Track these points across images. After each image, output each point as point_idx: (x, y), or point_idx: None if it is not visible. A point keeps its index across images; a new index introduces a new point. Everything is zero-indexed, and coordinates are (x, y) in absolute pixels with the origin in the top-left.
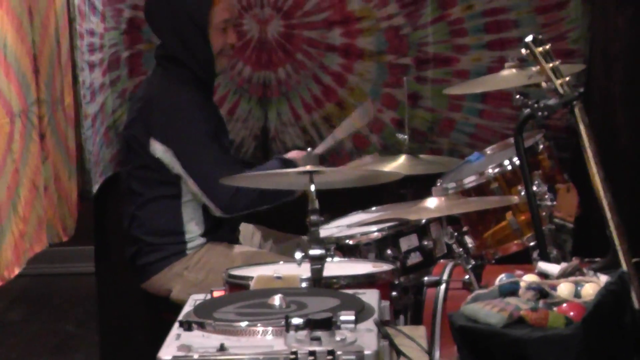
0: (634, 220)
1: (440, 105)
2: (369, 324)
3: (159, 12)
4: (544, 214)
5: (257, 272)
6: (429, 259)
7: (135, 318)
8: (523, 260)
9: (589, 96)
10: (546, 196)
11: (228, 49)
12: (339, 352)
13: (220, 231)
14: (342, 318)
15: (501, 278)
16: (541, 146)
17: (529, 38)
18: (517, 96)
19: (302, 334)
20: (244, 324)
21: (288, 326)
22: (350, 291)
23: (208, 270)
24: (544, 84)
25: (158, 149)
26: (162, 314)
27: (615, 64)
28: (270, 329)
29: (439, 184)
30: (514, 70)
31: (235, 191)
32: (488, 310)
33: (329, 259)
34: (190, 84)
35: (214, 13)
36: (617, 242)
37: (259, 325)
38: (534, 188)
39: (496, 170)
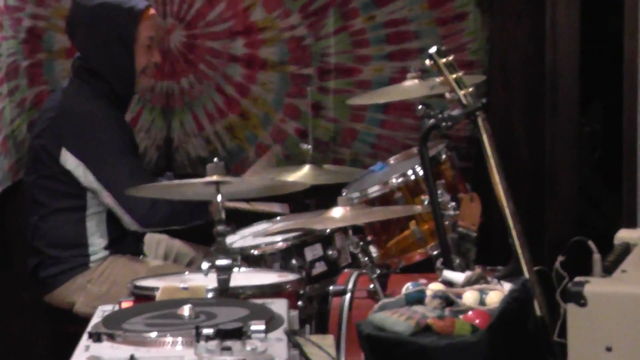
0: (534, 229)
1: (342, 116)
2: (279, 334)
3: (83, 26)
4: (447, 223)
5: (163, 283)
6: (333, 268)
7: (38, 331)
8: (426, 269)
9: (489, 107)
10: (449, 205)
11: (151, 68)
12: None
13: (124, 243)
14: (253, 328)
15: (407, 287)
16: (444, 156)
17: (432, 49)
18: (420, 107)
19: (213, 344)
20: (153, 334)
21: (198, 336)
22: (258, 301)
23: (111, 282)
24: (447, 95)
25: (69, 161)
26: (66, 327)
27: (514, 75)
28: (180, 339)
29: (343, 194)
30: (416, 80)
31: (151, 205)
32: (395, 319)
33: (235, 269)
34: (106, 98)
35: (140, 30)
36: (519, 250)
37: (168, 335)
38: (437, 197)
39: (400, 180)
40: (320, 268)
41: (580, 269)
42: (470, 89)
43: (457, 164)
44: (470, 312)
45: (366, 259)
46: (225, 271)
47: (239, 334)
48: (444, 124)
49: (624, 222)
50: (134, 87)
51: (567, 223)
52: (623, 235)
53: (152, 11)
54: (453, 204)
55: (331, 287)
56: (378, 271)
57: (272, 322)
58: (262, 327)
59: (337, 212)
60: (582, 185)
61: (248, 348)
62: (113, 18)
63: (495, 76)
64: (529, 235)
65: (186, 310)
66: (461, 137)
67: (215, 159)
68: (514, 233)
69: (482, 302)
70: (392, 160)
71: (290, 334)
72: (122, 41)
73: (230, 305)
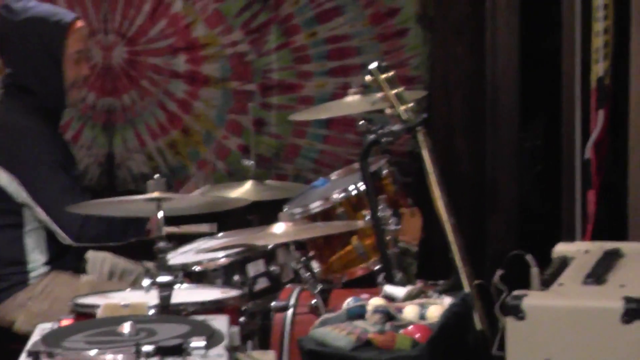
0: (476, 243)
1: (285, 132)
2: (220, 350)
3: (11, 41)
4: (388, 238)
5: (104, 300)
6: (276, 284)
7: None
8: (369, 283)
9: (430, 122)
10: (390, 220)
11: (80, 81)
12: None
13: (65, 259)
14: (193, 344)
15: (348, 302)
16: (385, 171)
17: (373, 65)
18: (362, 122)
19: None
20: (93, 352)
21: (138, 353)
22: (199, 317)
23: (52, 299)
24: (388, 110)
25: (3, 177)
26: (7, 345)
27: (455, 91)
28: (120, 356)
29: (285, 210)
30: (357, 96)
31: (85, 220)
32: (336, 334)
33: (177, 286)
34: (37, 114)
35: (68, 43)
36: (459, 264)
37: (108, 353)
38: (379, 213)
39: (341, 195)
40: (262, 284)
41: (519, 282)
42: (411, 105)
43: (399, 179)
44: (410, 327)
45: (308, 274)
46: (167, 288)
47: (179, 350)
48: (384, 139)
49: (564, 236)
50: (64, 101)
51: (509, 237)
52: (561, 249)
53: (79, 24)
54: (394, 218)
55: (273, 303)
56: (320, 286)
57: (213, 338)
58: (203, 343)
59: (279, 227)
60: (523, 199)
61: None
62: (40, 32)
63: (436, 91)
64: (471, 249)
65: (126, 327)
66: (403, 152)
67: (157, 175)
68: (454, 248)
69: (422, 317)
70: (334, 176)
71: (231, 350)
72: (50, 55)
73: (171, 322)
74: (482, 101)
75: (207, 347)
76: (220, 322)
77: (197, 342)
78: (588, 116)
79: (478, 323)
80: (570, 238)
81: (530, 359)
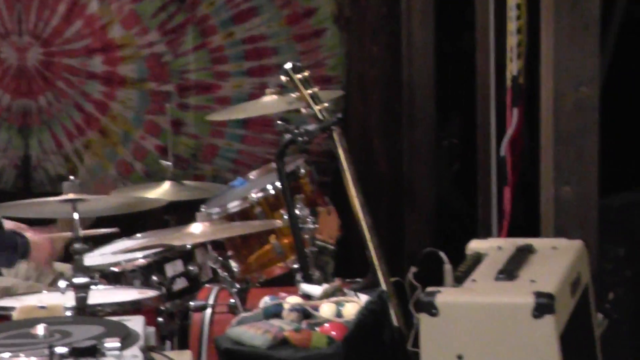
0: (394, 241)
1: (203, 132)
2: (135, 350)
3: None
4: (306, 237)
5: (20, 303)
6: (194, 283)
7: None
8: (287, 282)
9: (348, 122)
10: (308, 219)
11: None
12: None
13: None
14: (107, 345)
15: (265, 301)
16: (302, 171)
17: (287, 65)
18: (279, 122)
19: None
20: (6, 355)
21: (52, 355)
22: (115, 318)
23: None
24: (303, 110)
25: None
26: None
27: (371, 90)
28: (33, 359)
29: (203, 210)
30: (274, 96)
31: None
32: (252, 333)
33: (94, 287)
34: None
35: None
36: (376, 262)
37: (21, 355)
38: (297, 212)
39: (259, 194)
40: (181, 284)
41: (434, 279)
42: (326, 104)
43: (317, 178)
44: (326, 324)
45: (226, 274)
46: (83, 289)
47: (93, 352)
48: (300, 139)
49: (480, 233)
50: None
51: (426, 235)
52: (474, 245)
53: None
54: (312, 217)
55: (192, 303)
56: (238, 286)
57: (128, 339)
58: (117, 344)
59: (197, 227)
60: (441, 197)
61: None
62: None
63: (353, 91)
64: (389, 247)
65: (40, 329)
66: (321, 151)
67: (72, 177)
68: (370, 246)
69: (339, 314)
70: (252, 176)
71: (146, 350)
72: None
73: (86, 323)
74: (399, 101)
75: (122, 347)
76: (135, 323)
77: (112, 343)
78: (503, 114)
79: (395, 320)
80: (487, 235)
81: (444, 354)
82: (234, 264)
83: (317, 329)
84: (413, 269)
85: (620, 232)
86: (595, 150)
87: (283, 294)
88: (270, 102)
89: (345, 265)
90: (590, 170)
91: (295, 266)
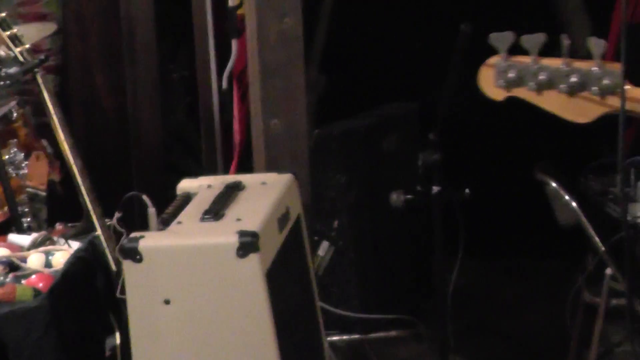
0: (121, 180)
1: None
2: None
3: None
4: (21, 184)
5: None
6: None
7: None
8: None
9: (68, 59)
10: (23, 165)
11: None
12: None
13: None
14: None
15: None
16: (15, 114)
17: None
18: None
19: None
20: None
21: None
22: None
23: None
24: (1, 52)
25: None
26: None
27: (90, 26)
28: None
29: None
30: None
31: None
32: None
33: None
34: None
35: None
36: (89, 206)
37: None
38: (9, 157)
39: None
40: None
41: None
42: (27, 46)
43: (34, 120)
44: (34, 276)
45: None
46: None
47: None
48: (1, 82)
49: (206, 170)
50: None
51: (155, 171)
52: (184, 185)
53: None
54: (27, 162)
55: None
56: None
57: None
58: None
59: None
60: (173, 131)
61: None
62: None
63: (70, 28)
64: (116, 187)
65: None
66: None
67: None
68: (83, 189)
69: (48, 264)
70: None
71: None
72: None
73: None
74: (118, 35)
75: None
76: None
77: None
78: (226, 46)
79: (113, 266)
80: (214, 170)
81: (150, 300)
82: None
83: (23, 281)
84: (117, 214)
85: (341, 159)
86: (302, 82)
87: None
88: None
89: (64, 210)
90: (298, 102)
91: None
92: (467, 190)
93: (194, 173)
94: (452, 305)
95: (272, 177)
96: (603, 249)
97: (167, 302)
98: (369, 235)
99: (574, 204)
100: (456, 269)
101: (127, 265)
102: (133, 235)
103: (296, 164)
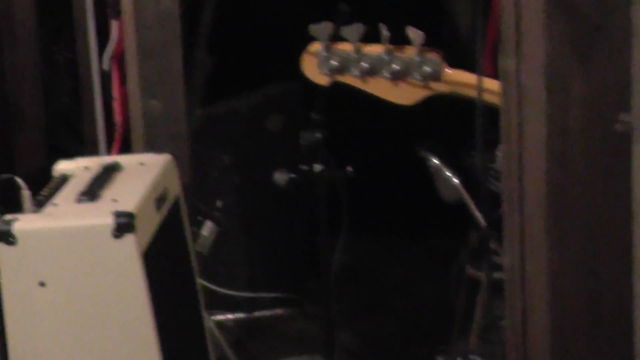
0: (5, 165)
1: None
2: None
3: None
4: None
5: None
6: None
7: None
8: None
9: None
10: None
11: None
12: None
13: None
14: None
15: None
16: None
17: None
18: None
19: None
20: None
21: None
22: None
23: None
24: None
25: None
26: None
27: None
28: None
29: None
30: None
31: None
32: None
33: None
34: None
35: None
36: None
37: None
38: None
39: None
40: None
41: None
42: None
43: None
44: None
45: None
46: None
47: None
48: None
49: (87, 151)
50: None
51: (38, 155)
52: (61, 167)
53: None
54: None
55: None
56: None
57: None
58: None
59: None
60: (59, 113)
61: None
62: None
63: None
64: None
65: None
66: None
67: None
68: None
69: None
70: None
71: None
72: None
73: None
74: None
75: None
76: None
77: None
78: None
79: None
80: (94, 151)
81: (24, 283)
82: None
83: None
84: None
85: (225, 139)
86: (180, 63)
87: None
88: None
89: None
90: (177, 82)
91: None
92: (349, 168)
93: (79, 155)
94: (338, 283)
95: (150, 158)
96: (484, 224)
97: (42, 284)
98: (254, 215)
99: (455, 180)
100: (339, 247)
101: (1, 248)
102: (7, 218)
103: (176, 144)
